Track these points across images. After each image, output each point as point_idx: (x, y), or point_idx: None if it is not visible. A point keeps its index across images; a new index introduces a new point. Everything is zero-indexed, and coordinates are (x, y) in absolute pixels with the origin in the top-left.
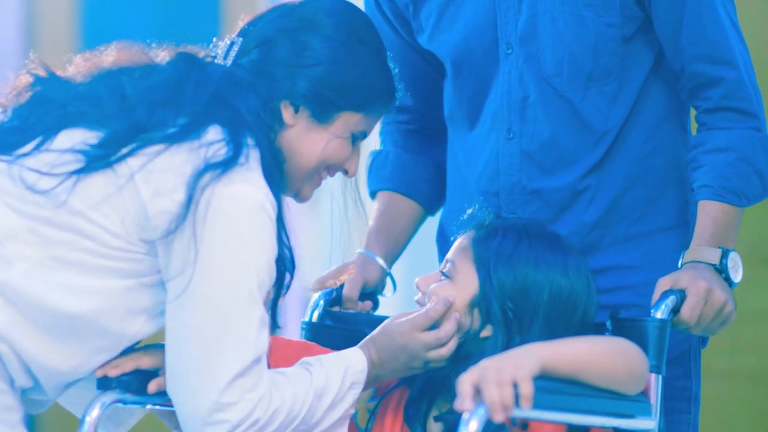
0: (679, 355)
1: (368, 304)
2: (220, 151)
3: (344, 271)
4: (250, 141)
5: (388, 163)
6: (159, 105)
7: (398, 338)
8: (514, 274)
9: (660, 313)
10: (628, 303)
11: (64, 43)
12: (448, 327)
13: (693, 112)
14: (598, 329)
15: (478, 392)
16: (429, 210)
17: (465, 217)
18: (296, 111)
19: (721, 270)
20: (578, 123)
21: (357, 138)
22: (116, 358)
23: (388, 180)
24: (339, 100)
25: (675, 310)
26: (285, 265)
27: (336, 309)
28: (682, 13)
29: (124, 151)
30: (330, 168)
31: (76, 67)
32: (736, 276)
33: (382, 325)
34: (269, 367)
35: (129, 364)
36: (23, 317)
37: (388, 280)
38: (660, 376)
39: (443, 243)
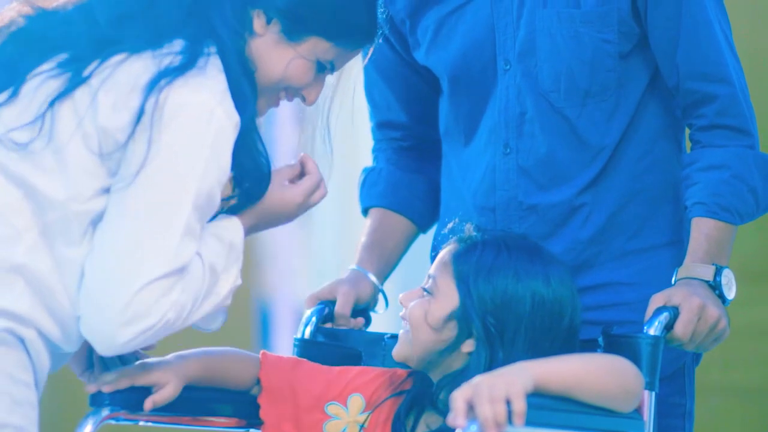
0: (673, 372)
1: (360, 320)
2: (176, 59)
3: (337, 287)
4: (211, 49)
5: (380, 180)
6: (126, 19)
7: (290, 207)
8: (493, 287)
9: (653, 330)
10: (624, 320)
11: None
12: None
13: (687, 131)
14: (591, 346)
15: (471, 408)
16: (422, 228)
17: (446, 231)
18: (268, 22)
19: (715, 287)
20: (575, 139)
21: (324, 68)
22: (110, 373)
23: (380, 197)
24: (313, 24)
25: (668, 327)
26: (261, 173)
27: (328, 325)
28: (678, 30)
29: (92, 66)
30: (289, 90)
31: None
32: (730, 293)
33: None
34: (261, 383)
35: (123, 382)
36: (41, 299)
37: (381, 296)
38: (653, 393)
39: None
